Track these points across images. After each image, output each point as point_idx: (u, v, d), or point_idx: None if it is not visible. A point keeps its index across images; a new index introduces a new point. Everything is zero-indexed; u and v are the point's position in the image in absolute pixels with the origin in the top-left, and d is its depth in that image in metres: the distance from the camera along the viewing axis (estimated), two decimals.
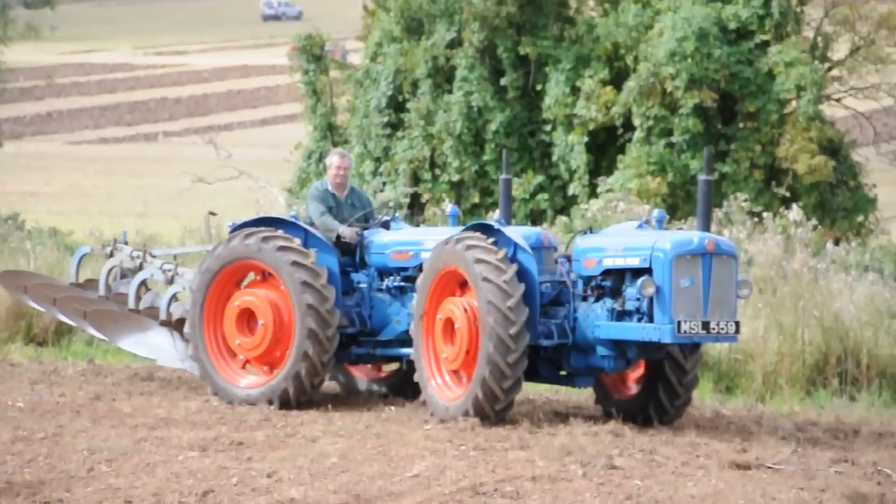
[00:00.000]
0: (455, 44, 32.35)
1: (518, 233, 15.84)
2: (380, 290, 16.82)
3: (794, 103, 30.58)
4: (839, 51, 32.45)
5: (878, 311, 18.95)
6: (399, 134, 32.59)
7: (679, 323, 14.90)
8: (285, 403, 16.45)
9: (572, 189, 31.04)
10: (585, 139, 31.06)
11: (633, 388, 16.05)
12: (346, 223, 16.95)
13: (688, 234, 15.59)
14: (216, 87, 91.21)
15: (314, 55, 34.11)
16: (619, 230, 16.37)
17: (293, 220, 16.88)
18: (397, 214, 17.65)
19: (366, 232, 16.93)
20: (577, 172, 31.03)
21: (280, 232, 16.58)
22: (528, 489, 12.87)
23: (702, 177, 16.02)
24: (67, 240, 26.10)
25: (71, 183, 55.25)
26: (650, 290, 15.03)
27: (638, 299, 15.16)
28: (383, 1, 33.46)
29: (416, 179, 32.16)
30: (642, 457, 14.33)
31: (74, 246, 24.38)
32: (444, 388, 15.84)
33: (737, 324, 15.11)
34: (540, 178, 31.52)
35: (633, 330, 15.24)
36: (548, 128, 31.80)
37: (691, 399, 15.90)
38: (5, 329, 20.99)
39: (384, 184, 32.04)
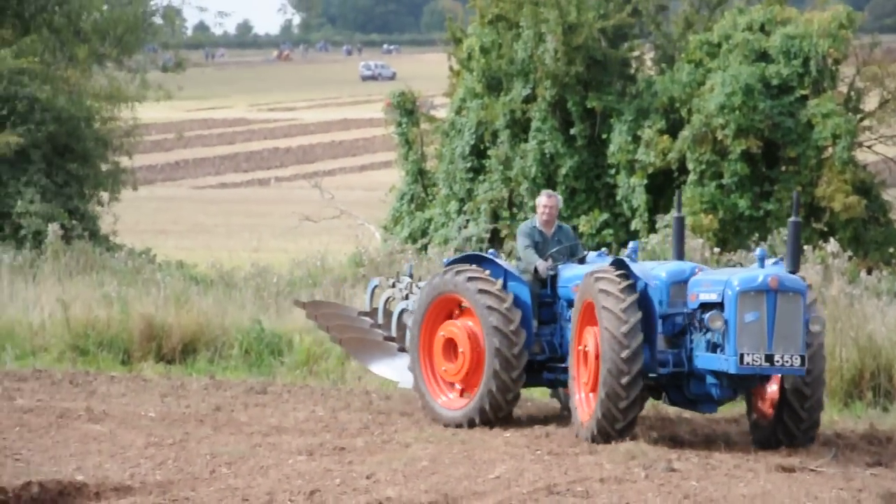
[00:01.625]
0: (530, 99, 32.27)
1: (678, 266, 15.30)
2: (568, 320, 15.99)
3: (830, 149, 30.29)
4: (870, 103, 32.14)
5: None
6: (481, 177, 32.52)
7: (742, 355, 14.29)
8: (472, 427, 15.85)
9: (634, 225, 30.81)
10: (645, 181, 30.85)
11: (771, 412, 14.99)
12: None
13: (755, 271, 14.77)
14: (321, 138, 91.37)
15: (407, 109, 34.14)
16: (740, 269, 15.59)
17: (492, 257, 16.32)
18: (603, 251, 16.96)
19: (559, 266, 16.25)
20: (638, 210, 30.85)
21: (485, 272, 16.01)
22: (596, 489, 12.80)
23: (791, 219, 15.09)
24: (192, 271, 26.21)
25: (195, 222, 55.55)
26: (718, 324, 14.46)
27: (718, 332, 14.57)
28: (467, 62, 33.43)
29: (495, 217, 32.07)
30: (698, 460, 14.20)
31: (198, 276, 24.50)
32: (584, 405, 15.20)
33: (802, 357, 14.34)
34: (605, 216, 31.36)
35: (713, 360, 14.61)
36: (612, 171, 31.63)
37: (819, 422, 14.99)
38: (139, 349, 21.09)
39: (468, 221, 32.01)
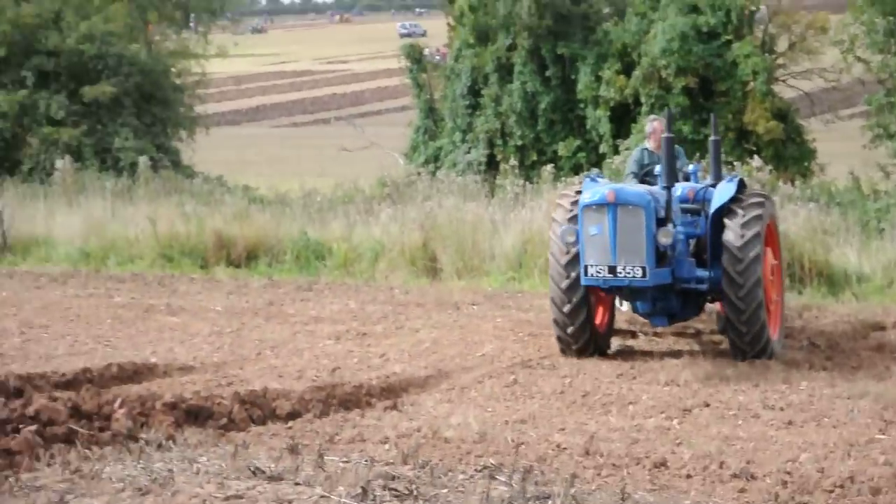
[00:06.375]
0: (512, 48, 31.57)
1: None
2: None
3: (752, 84, 29.67)
4: (781, 46, 31.43)
5: (815, 230, 18.08)
6: (477, 112, 31.89)
7: (587, 267, 11.97)
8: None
9: (601, 149, 30.17)
10: (608, 113, 30.25)
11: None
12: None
13: (603, 187, 12.37)
14: (369, 84, 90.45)
15: (415, 59, 33.42)
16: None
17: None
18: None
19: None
20: (603, 137, 30.23)
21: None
22: (561, 363, 12.37)
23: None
24: (254, 193, 25.49)
25: (272, 154, 54.81)
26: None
27: None
28: (460, 19, 32.74)
29: (491, 144, 31.42)
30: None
31: (259, 197, 23.79)
32: None
33: (643, 268, 11.86)
34: (578, 142, 30.74)
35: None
36: (581, 105, 30.99)
37: (762, 335, 12.28)
38: (213, 256, 20.45)
39: (469, 148, 31.45)
